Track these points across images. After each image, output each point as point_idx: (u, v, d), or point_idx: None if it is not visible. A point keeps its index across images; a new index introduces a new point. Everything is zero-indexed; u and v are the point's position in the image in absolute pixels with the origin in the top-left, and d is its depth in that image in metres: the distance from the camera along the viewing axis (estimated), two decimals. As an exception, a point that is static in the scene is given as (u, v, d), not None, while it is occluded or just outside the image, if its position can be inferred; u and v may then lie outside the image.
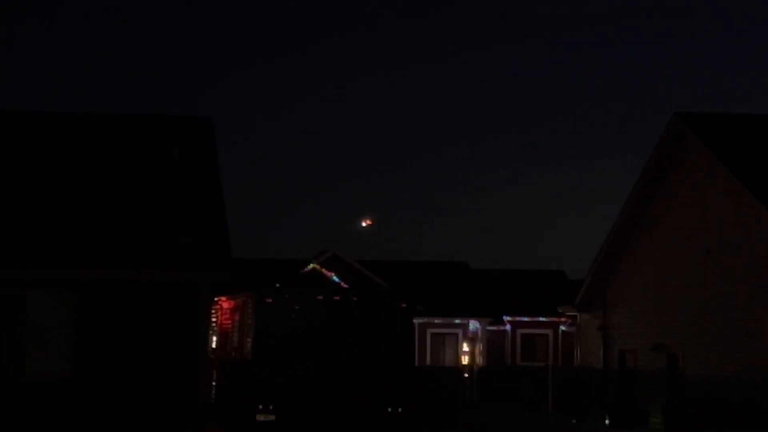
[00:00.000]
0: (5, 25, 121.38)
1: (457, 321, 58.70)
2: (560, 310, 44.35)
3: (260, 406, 30.05)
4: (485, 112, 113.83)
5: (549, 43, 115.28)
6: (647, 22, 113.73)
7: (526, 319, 60.21)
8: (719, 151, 31.63)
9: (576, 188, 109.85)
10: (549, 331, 60.03)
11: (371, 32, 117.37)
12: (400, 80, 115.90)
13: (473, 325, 58.67)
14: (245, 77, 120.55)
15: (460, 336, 58.22)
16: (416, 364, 50.52)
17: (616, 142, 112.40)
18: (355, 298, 31.89)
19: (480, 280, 63.07)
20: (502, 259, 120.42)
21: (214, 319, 33.85)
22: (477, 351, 57.28)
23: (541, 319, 59.63)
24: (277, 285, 36.90)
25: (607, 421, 34.76)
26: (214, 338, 34.70)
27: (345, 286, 46.03)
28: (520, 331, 60.45)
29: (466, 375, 45.90)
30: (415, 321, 54.16)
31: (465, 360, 52.75)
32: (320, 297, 31.63)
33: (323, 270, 51.19)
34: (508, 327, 60.28)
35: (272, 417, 30.12)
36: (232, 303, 33.59)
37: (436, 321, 58.08)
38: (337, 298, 31.98)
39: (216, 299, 33.98)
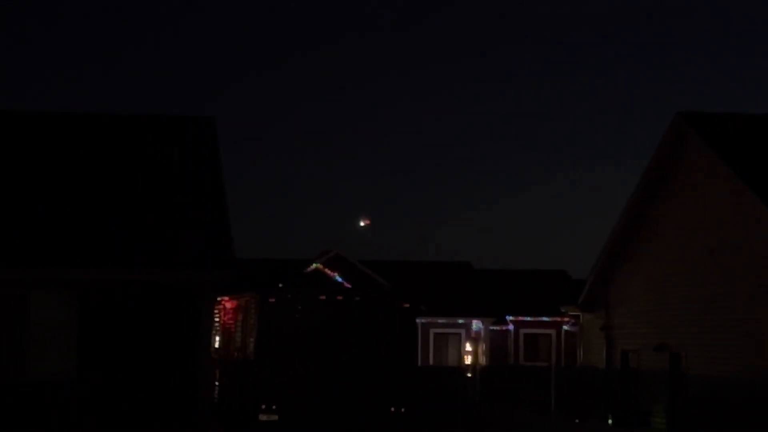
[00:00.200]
0: (5, 25, 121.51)
1: (460, 321, 58.73)
2: (563, 310, 44.36)
3: (263, 406, 30.05)
4: (487, 113, 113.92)
5: (549, 44, 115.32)
6: (647, 22, 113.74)
7: (528, 319, 60.22)
8: (721, 150, 31.63)
9: (578, 188, 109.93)
10: (552, 331, 60.04)
11: (372, 33, 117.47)
12: (402, 80, 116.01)
13: (476, 325, 58.70)
14: (249, 78, 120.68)
15: (463, 336, 58.24)
16: (419, 364, 50.61)
17: (618, 142, 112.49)
18: (357, 298, 31.91)
19: (483, 280, 63.09)
20: (505, 259, 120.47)
21: (216, 319, 33.87)
22: (480, 351, 57.28)
23: (544, 319, 59.65)
24: (280, 285, 36.99)
25: (610, 421, 34.74)
26: (217, 338, 34.73)
27: (348, 286, 46.12)
28: (522, 331, 60.47)
29: (469, 375, 45.87)
30: (418, 321, 54.27)
31: (468, 360, 52.71)
32: (323, 297, 31.65)
33: (326, 270, 51.29)
34: (511, 327, 60.29)
35: (275, 417, 30.13)
36: (235, 303, 33.61)
37: (439, 321, 58.11)
38: (340, 298, 32.00)
39: (219, 299, 34.01)
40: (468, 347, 55.54)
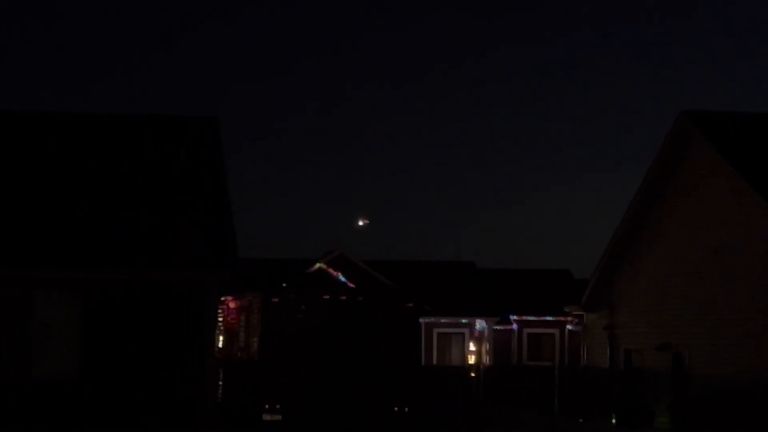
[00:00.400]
0: (6, 25, 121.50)
1: (464, 320, 58.72)
2: (566, 310, 44.35)
3: (266, 406, 30.09)
4: (489, 113, 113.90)
5: (549, 44, 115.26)
6: (647, 22, 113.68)
7: (532, 318, 60.20)
8: (724, 149, 31.61)
9: (581, 188, 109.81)
10: (555, 331, 60.03)
11: (372, 33, 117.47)
12: (404, 80, 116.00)
13: (480, 324, 58.70)
14: (252, 79, 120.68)
15: (467, 335, 58.25)
16: (422, 363, 50.58)
17: (619, 142, 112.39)
18: (361, 298, 31.96)
19: (486, 279, 63.07)
20: (508, 258, 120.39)
21: (220, 319, 33.90)
22: (483, 350, 57.29)
23: (548, 318, 59.65)
24: (284, 285, 37.03)
25: (613, 421, 34.78)
26: (221, 338, 34.75)
27: (351, 285, 46.12)
28: (526, 330, 60.45)
29: (473, 374, 45.89)
30: (422, 320, 54.15)
31: (471, 359, 52.74)
32: (326, 297, 31.70)
33: (330, 270, 51.29)
34: (514, 326, 60.28)
35: (278, 416, 30.16)
36: (239, 303, 33.65)
37: (442, 320, 58.10)
38: (344, 297, 32.05)
39: (222, 299, 34.04)
40: (471, 347, 55.61)
